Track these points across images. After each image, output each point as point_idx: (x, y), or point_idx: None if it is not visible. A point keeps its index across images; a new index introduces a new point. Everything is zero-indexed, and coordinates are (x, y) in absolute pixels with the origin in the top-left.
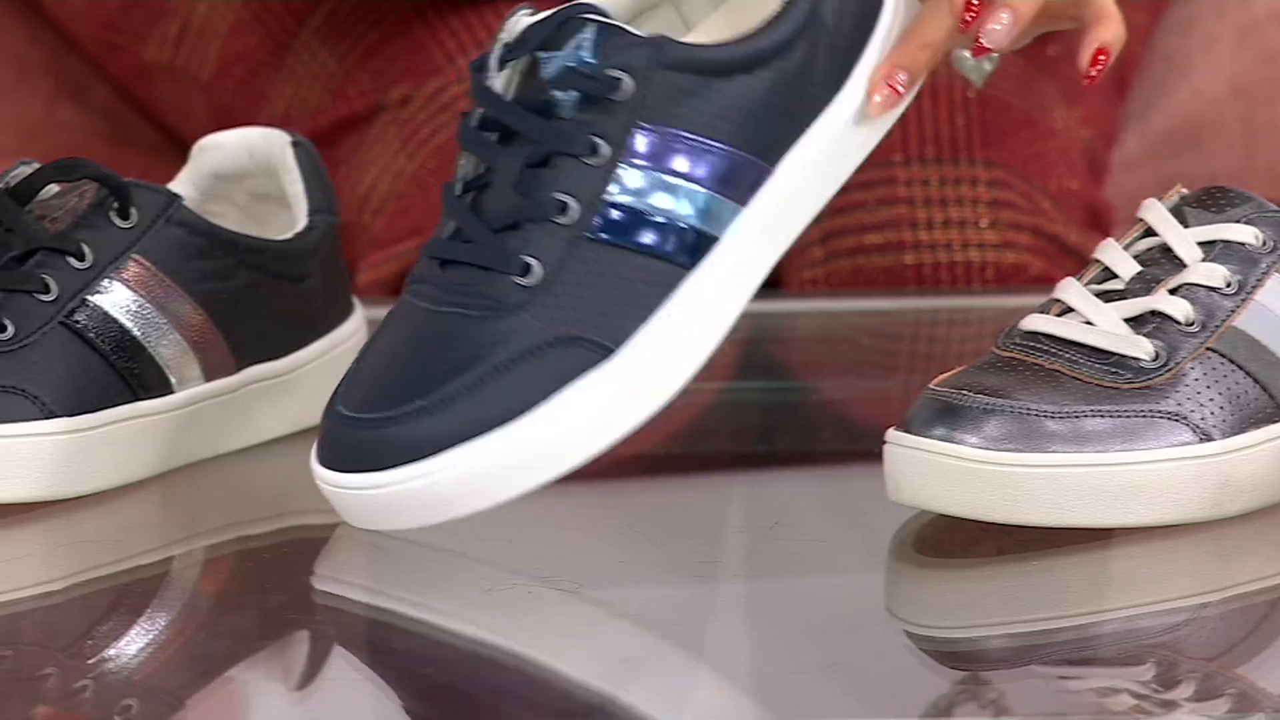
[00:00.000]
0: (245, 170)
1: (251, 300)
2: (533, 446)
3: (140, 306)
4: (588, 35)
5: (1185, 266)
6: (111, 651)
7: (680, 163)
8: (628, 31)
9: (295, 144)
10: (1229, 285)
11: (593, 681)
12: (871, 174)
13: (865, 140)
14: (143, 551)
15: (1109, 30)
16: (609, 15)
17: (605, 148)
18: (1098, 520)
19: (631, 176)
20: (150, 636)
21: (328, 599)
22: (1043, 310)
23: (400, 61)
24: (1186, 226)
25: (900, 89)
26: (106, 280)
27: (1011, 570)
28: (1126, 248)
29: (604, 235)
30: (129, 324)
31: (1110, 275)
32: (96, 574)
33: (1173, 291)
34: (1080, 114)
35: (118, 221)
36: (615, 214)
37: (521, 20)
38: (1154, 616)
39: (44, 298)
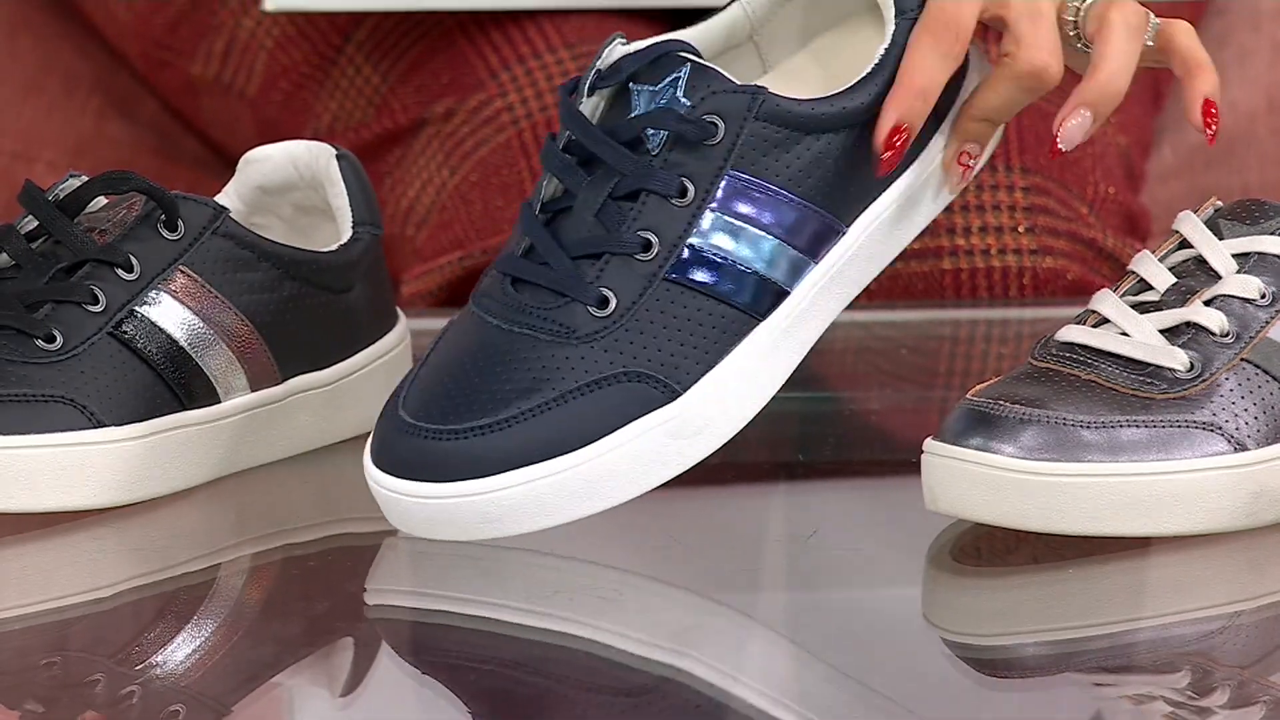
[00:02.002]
0: (290, 183)
1: (296, 311)
2: (590, 477)
3: (187, 317)
4: (682, 74)
5: (1220, 278)
6: (159, 658)
7: (762, 213)
8: (722, 75)
9: (340, 157)
10: (1263, 296)
11: (633, 688)
12: None
13: (932, 208)
14: (190, 559)
15: (1207, 80)
16: (701, 54)
17: (693, 190)
18: (1133, 529)
19: (715, 222)
20: (197, 643)
21: (373, 607)
22: (1079, 321)
23: (443, 76)
24: (1221, 238)
25: (971, 164)
26: (154, 292)
27: (1047, 579)
28: (1162, 260)
29: (682, 276)
30: (176, 335)
31: (1146, 287)
32: (144, 581)
33: (1207, 303)
34: (1116, 121)
35: (165, 234)
36: (695, 257)
37: (617, 49)
38: (1188, 625)
39: (93, 309)
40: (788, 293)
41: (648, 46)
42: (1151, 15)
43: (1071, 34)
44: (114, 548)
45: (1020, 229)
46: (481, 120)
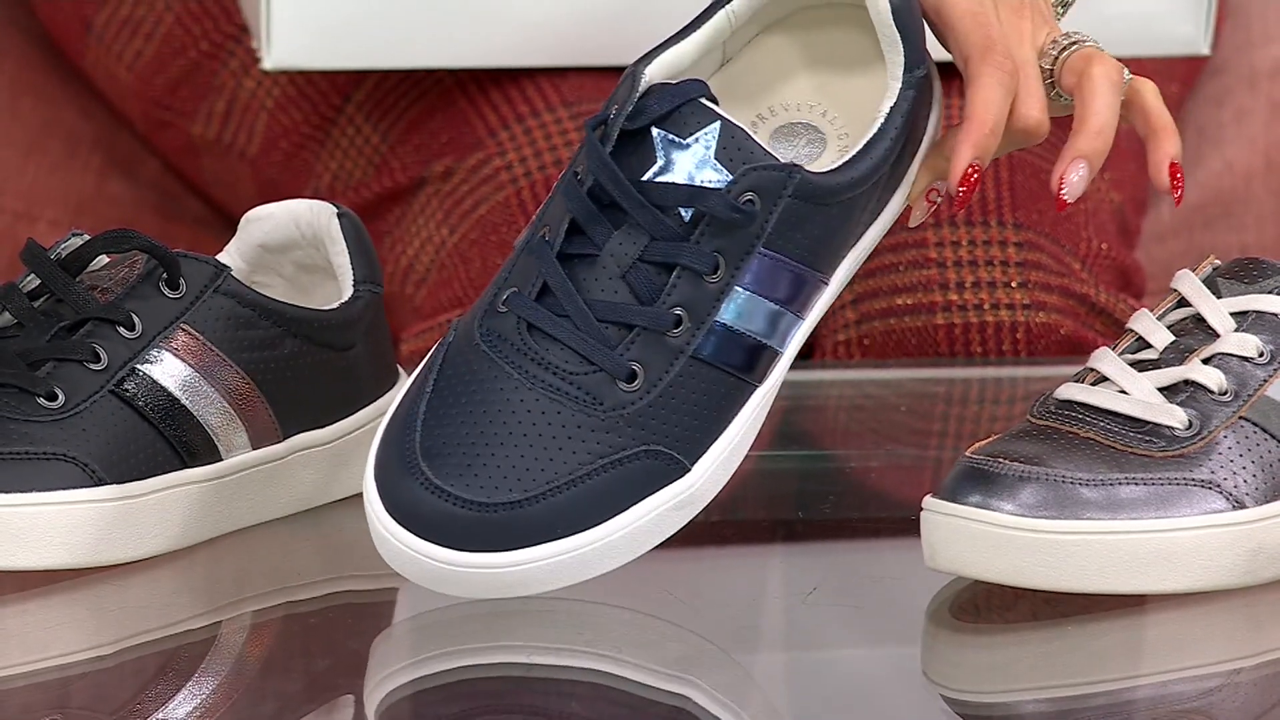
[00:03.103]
0: (292, 241)
1: (297, 369)
2: (604, 549)
3: (188, 375)
4: (713, 134)
5: (1218, 336)
6: (160, 716)
7: (779, 287)
8: (754, 142)
9: (341, 215)
10: (1261, 355)
11: None
12: (902, 237)
13: (880, 236)
14: (191, 617)
15: (1171, 143)
16: (715, 96)
17: (724, 267)
18: (1132, 587)
19: (741, 299)
20: (198, 701)
21: (373, 665)
22: (1077, 379)
23: (442, 135)
24: (1219, 297)
25: (939, 201)
26: (155, 350)
27: (1047, 636)
28: (1160, 318)
29: (706, 354)
30: (177, 393)
31: (1144, 345)
32: (146, 639)
33: (1206, 361)
34: (1110, 178)
35: (167, 292)
36: (720, 334)
37: (636, 90)
38: (1188, 682)
39: (94, 366)
40: (780, 353)
41: (676, 86)
42: (1125, 69)
43: (1047, 82)
44: (116, 605)
45: (1013, 284)
46: (480, 179)
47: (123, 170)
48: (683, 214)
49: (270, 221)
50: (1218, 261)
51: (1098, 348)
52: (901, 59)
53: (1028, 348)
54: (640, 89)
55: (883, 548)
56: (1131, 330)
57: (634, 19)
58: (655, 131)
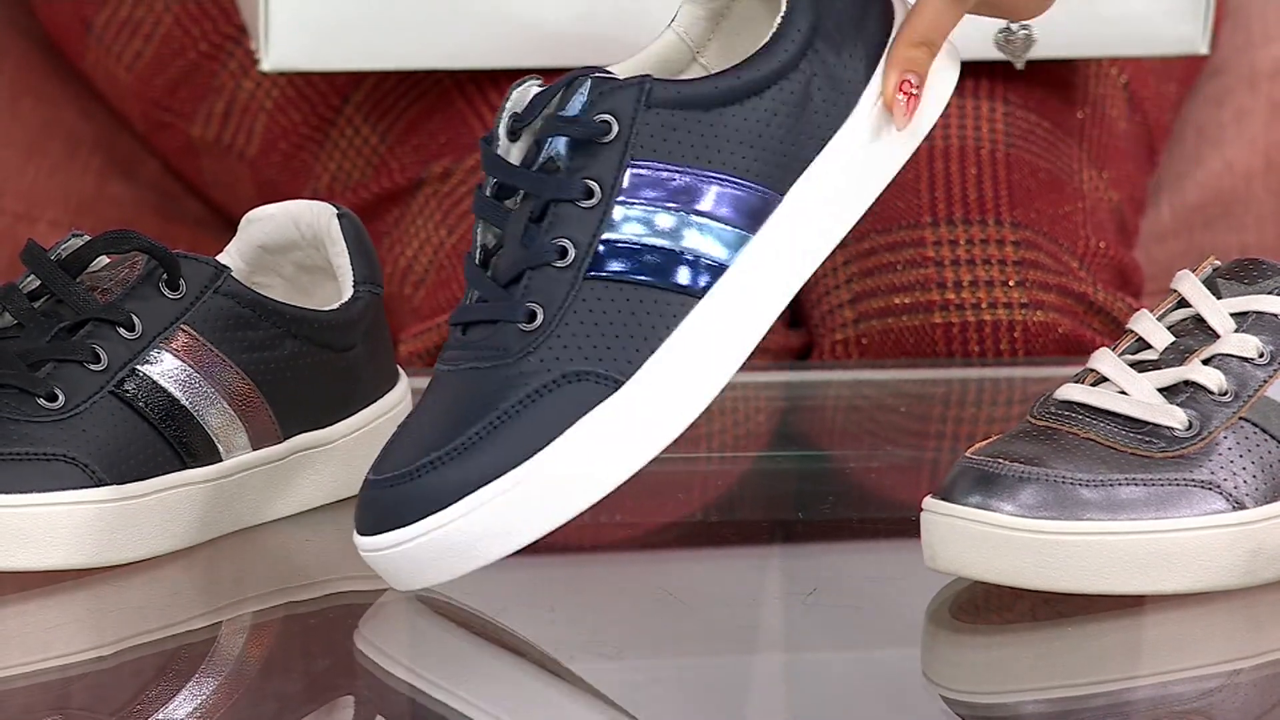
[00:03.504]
0: (292, 242)
1: (297, 370)
2: (549, 484)
3: (188, 376)
4: (583, 91)
5: (1218, 337)
6: (160, 716)
7: (674, 196)
8: (616, 78)
9: (341, 216)
10: (1261, 355)
11: None
12: (900, 236)
13: (884, 164)
14: (190, 617)
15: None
16: (615, 75)
17: (598, 190)
18: (1132, 587)
19: (625, 214)
20: (198, 702)
21: (372, 665)
22: (1077, 380)
23: (440, 136)
24: (1219, 298)
25: (914, 91)
26: (155, 350)
27: (1047, 636)
28: (1160, 319)
29: (604, 272)
30: (177, 393)
31: (1144, 346)
32: (146, 640)
33: (1206, 362)
34: (1109, 177)
35: (167, 293)
36: (611, 250)
37: (530, 90)
38: (1187, 683)
39: (94, 367)
40: (725, 266)
41: (561, 80)
42: None
43: None
44: (115, 606)
45: (1011, 283)
46: (479, 179)
47: (123, 171)
48: (558, 165)
49: (270, 222)
50: (1218, 262)
51: (1096, 346)
52: None
53: (1026, 347)
54: (530, 91)
55: (882, 548)
56: (1131, 331)
57: (632, 19)
58: (545, 122)
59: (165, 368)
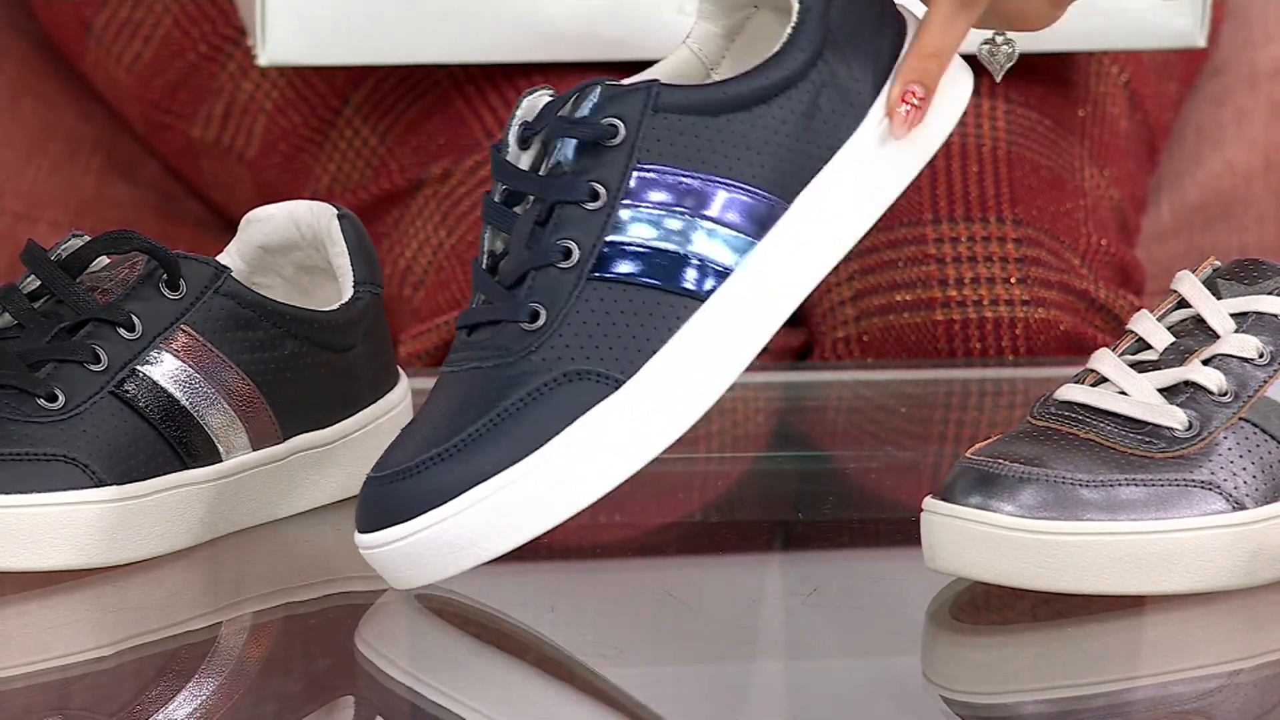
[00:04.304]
0: (292, 242)
1: (297, 370)
2: (549, 481)
3: (188, 376)
4: (593, 96)
5: (1218, 337)
6: (160, 716)
7: (681, 199)
8: (623, 84)
9: (341, 216)
10: (1261, 356)
11: None
12: (902, 233)
13: (893, 176)
14: (191, 618)
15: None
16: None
17: (604, 192)
18: (1132, 588)
19: (631, 216)
20: (198, 702)
21: (372, 665)
22: (1077, 380)
23: (440, 137)
24: (1219, 298)
25: (918, 103)
26: (155, 351)
27: (1047, 637)
28: (1160, 319)
29: (608, 273)
30: (177, 394)
31: (1144, 346)
32: (145, 640)
33: (1206, 362)
34: (1110, 175)
35: (167, 293)
36: (616, 251)
37: (541, 99)
38: (1187, 683)
39: (94, 368)
40: (729, 270)
41: (572, 89)
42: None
43: None
44: (115, 606)
45: (1012, 280)
46: (478, 180)
47: (123, 172)
48: (564, 169)
49: (270, 223)
50: (1218, 262)
51: (1098, 344)
52: None
53: (1027, 344)
54: (540, 100)
55: (882, 549)
56: (1131, 331)
57: (630, 13)
58: (554, 124)
59: (165, 368)
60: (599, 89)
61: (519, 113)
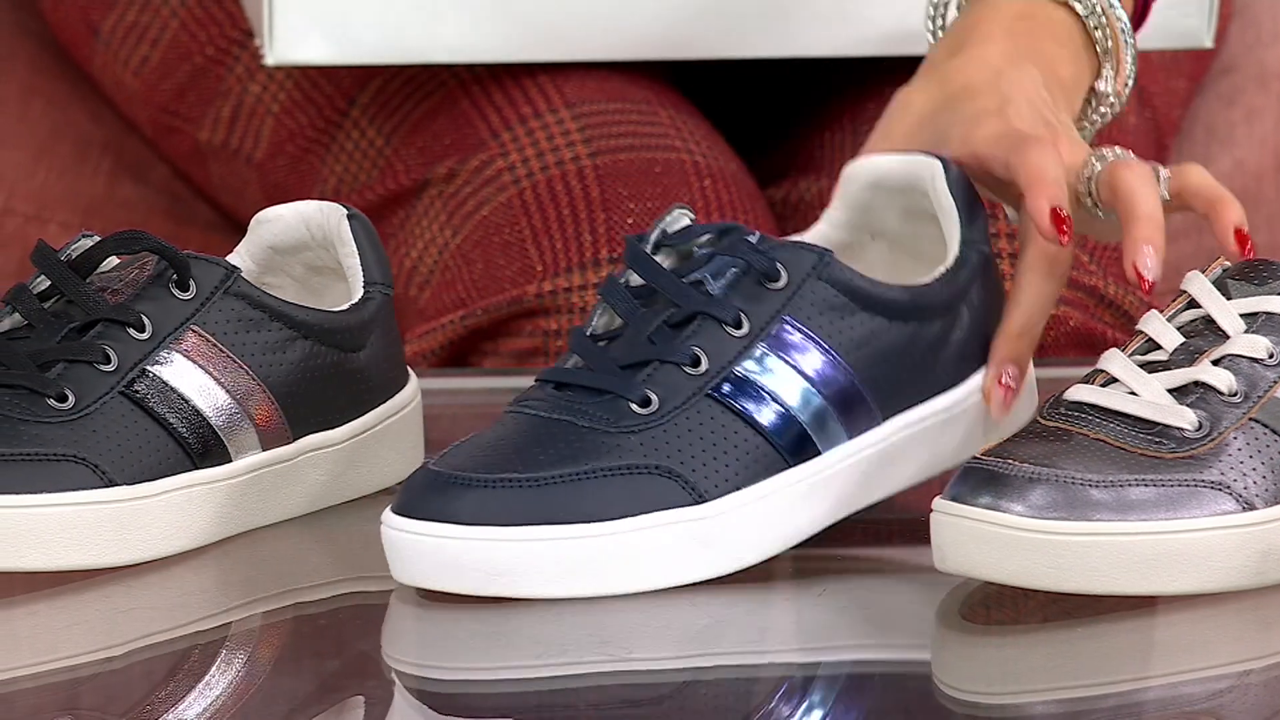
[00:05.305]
0: (302, 243)
1: (308, 371)
2: (610, 553)
3: (199, 377)
4: (751, 238)
5: (1228, 338)
6: (170, 717)
7: (811, 366)
8: (798, 240)
9: (351, 217)
10: (1271, 356)
11: None
12: None
13: (962, 443)
14: (201, 618)
15: (1233, 212)
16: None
17: (748, 324)
18: (1141, 588)
19: (767, 356)
20: (208, 702)
21: (383, 665)
22: (1087, 380)
23: (445, 137)
24: (1229, 298)
25: (1012, 384)
26: (166, 351)
27: (1056, 637)
28: (1170, 319)
29: (727, 397)
30: (188, 394)
31: (1154, 346)
32: (156, 640)
33: (1215, 362)
34: None
35: (177, 293)
36: (744, 381)
37: (683, 218)
38: (1197, 684)
39: (104, 368)
40: (820, 452)
41: (719, 225)
42: (1160, 167)
43: (1087, 202)
44: (125, 607)
45: None
46: (483, 180)
47: (133, 174)
48: (712, 291)
49: (280, 223)
50: (1227, 263)
51: (1108, 339)
52: (957, 225)
53: None
54: (682, 219)
55: (892, 549)
56: (1141, 331)
57: (636, 14)
58: (697, 250)
59: (175, 369)
60: (758, 235)
61: (663, 223)
